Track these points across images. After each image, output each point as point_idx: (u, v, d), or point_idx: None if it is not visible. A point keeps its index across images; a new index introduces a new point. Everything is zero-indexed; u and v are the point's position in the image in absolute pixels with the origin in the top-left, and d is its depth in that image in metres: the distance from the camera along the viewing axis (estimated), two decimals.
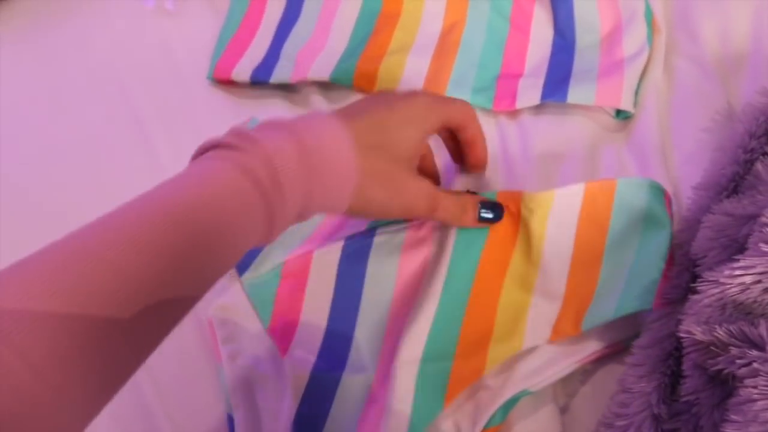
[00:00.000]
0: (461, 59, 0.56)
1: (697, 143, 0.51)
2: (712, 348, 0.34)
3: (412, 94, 0.43)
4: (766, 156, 0.43)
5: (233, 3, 0.62)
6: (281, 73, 0.57)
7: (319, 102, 0.57)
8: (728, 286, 0.35)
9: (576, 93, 0.52)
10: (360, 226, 0.48)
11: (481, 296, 0.45)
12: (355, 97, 0.57)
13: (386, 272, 0.46)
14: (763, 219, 0.35)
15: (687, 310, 0.37)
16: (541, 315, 0.44)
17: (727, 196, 0.43)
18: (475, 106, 0.48)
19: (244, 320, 0.47)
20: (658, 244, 0.42)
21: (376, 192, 0.40)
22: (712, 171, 0.46)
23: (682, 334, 0.35)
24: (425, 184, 0.43)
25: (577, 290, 0.43)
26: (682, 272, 0.41)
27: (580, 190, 0.45)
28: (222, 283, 0.47)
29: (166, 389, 0.48)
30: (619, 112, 0.54)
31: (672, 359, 0.39)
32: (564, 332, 0.43)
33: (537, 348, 0.43)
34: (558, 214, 0.45)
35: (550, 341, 0.43)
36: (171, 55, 0.62)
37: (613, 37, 0.55)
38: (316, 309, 0.46)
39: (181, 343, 0.48)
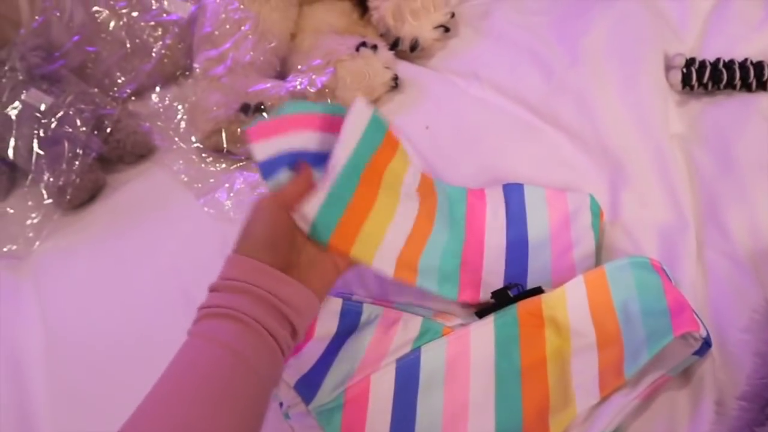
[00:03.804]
0: (430, 244, 0.59)
1: (737, 344, 0.52)
2: None
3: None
4: None
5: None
6: None
7: None
8: None
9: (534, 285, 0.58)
10: (406, 346, 0.55)
11: (531, 377, 0.52)
12: None
13: (435, 385, 0.53)
14: None
15: None
16: (583, 374, 0.50)
17: None
18: (441, 294, 0.57)
19: None
20: (654, 287, 0.52)
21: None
22: (753, 380, 0.47)
23: None
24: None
25: (609, 351, 0.51)
26: None
27: (580, 281, 0.55)
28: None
29: None
30: None
31: None
32: (611, 384, 0.49)
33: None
34: (573, 305, 0.54)
35: (602, 397, 0.49)
36: None
37: (561, 231, 0.61)
38: (378, 427, 0.52)
39: None
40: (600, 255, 0.60)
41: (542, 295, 0.55)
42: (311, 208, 0.49)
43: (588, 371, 0.51)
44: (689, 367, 0.51)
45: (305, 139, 0.54)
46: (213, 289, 0.45)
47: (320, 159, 0.54)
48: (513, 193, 0.65)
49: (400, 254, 0.55)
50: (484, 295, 0.58)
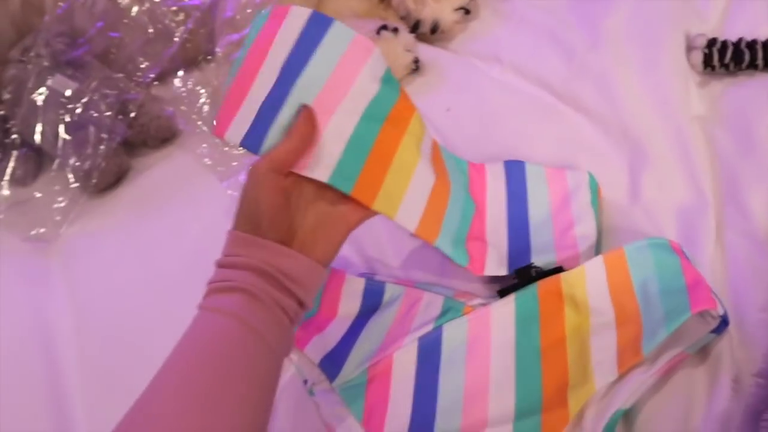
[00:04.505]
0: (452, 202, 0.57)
1: (756, 323, 0.52)
2: None
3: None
4: None
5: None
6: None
7: None
8: None
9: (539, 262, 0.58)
10: (428, 325, 0.57)
11: (551, 355, 0.53)
12: None
13: (457, 362, 0.54)
14: None
15: None
16: (602, 352, 0.51)
17: None
18: (454, 258, 0.55)
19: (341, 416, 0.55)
20: (672, 266, 0.53)
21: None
22: None
23: None
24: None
25: (627, 328, 0.51)
26: None
27: (600, 260, 0.55)
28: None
29: None
30: None
31: None
32: (629, 362, 0.50)
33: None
34: (593, 283, 0.54)
35: (620, 374, 0.50)
36: None
37: (561, 208, 0.62)
38: (401, 403, 0.53)
39: None
40: (601, 233, 0.61)
41: (562, 274, 0.56)
42: (330, 157, 0.47)
43: (607, 349, 0.51)
44: (707, 345, 0.52)
45: (263, 81, 0.48)
46: (219, 265, 0.45)
47: (290, 74, 0.48)
48: (513, 170, 0.65)
49: (425, 210, 0.52)
50: (488, 269, 0.57)
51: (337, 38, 0.48)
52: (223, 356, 0.41)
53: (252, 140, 0.48)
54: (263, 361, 0.42)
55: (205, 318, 0.43)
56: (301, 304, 0.45)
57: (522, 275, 0.57)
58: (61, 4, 0.83)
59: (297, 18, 0.49)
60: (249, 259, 0.43)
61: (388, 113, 0.50)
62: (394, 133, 0.50)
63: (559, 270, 0.56)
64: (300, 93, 0.48)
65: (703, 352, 0.52)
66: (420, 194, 0.52)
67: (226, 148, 0.77)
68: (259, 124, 0.48)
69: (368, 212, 0.49)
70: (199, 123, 0.79)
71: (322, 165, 0.47)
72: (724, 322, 0.51)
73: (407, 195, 0.50)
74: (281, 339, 0.43)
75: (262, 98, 0.48)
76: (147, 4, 0.82)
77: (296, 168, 0.47)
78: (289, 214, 0.46)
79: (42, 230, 0.75)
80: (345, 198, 0.48)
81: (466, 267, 0.56)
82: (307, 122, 0.47)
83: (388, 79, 0.51)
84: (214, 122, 0.50)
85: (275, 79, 0.48)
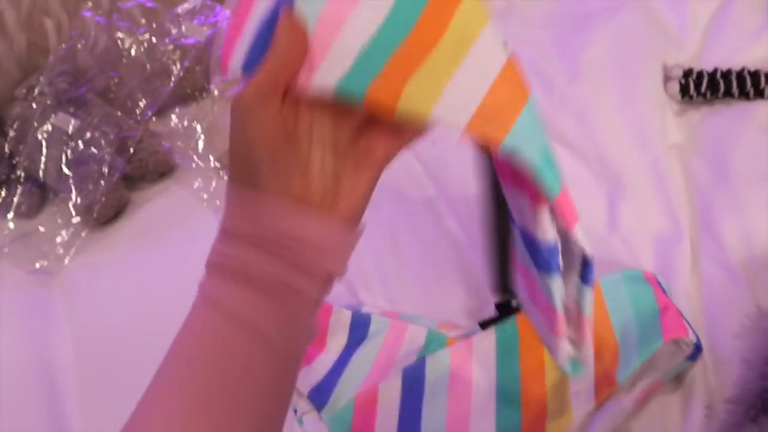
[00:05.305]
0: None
1: (728, 350, 0.54)
2: None
3: None
4: None
5: None
6: None
7: None
8: None
9: None
10: (412, 356, 0.58)
11: (530, 384, 0.54)
12: None
13: (439, 393, 0.56)
14: None
15: None
16: (580, 381, 0.53)
17: (755, 415, 0.46)
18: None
19: None
20: (645, 297, 0.55)
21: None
22: (740, 385, 0.49)
23: None
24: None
25: (604, 358, 0.53)
26: None
27: None
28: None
29: None
30: None
31: None
32: (605, 391, 0.52)
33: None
34: None
35: (597, 404, 0.52)
36: None
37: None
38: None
39: None
40: None
41: None
42: (340, 63, 0.32)
43: (584, 379, 0.53)
44: (681, 372, 0.54)
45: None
46: (221, 231, 0.36)
47: None
48: None
49: (482, 102, 0.33)
50: None
51: None
52: (221, 367, 0.34)
53: (254, 63, 0.34)
54: (269, 371, 0.35)
55: (203, 318, 0.36)
56: (327, 277, 0.35)
57: (502, 309, 0.59)
58: (64, 45, 0.86)
59: None
60: (253, 226, 0.33)
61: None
62: (437, 20, 0.33)
63: None
64: None
65: (677, 379, 0.54)
66: (475, 83, 0.33)
67: (222, 182, 0.80)
68: (261, 39, 0.34)
69: (400, 135, 0.36)
70: (195, 158, 0.82)
71: (328, 75, 0.33)
72: (697, 349, 0.53)
73: (450, 84, 0.33)
74: (294, 336, 0.35)
75: (261, 14, 0.35)
76: (146, 44, 0.86)
77: (296, 88, 0.33)
78: (295, 155, 0.34)
79: (45, 263, 0.78)
80: (371, 125, 0.36)
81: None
82: (288, 28, 0.33)
83: None
84: (219, 61, 0.37)
85: None
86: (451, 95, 0.33)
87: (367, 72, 0.32)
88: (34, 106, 0.83)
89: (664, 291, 0.57)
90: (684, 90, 0.74)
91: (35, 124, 0.82)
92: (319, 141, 0.35)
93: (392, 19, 0.33)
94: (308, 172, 0.35)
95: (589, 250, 0.37)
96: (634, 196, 0.67)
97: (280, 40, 0.33)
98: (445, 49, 0.33)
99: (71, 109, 0.82)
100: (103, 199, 0.78)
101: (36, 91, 0.84)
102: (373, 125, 0.36)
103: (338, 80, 0.32)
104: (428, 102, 0.33)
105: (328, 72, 0.33)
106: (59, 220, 0.81)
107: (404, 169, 0.76)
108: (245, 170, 0.34)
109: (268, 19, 0.34)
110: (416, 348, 0.59)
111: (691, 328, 0.53)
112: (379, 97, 0.32)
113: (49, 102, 0.83)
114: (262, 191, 0.33)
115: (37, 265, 0.77)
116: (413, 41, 0.33)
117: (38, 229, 0.81)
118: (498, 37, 0.34)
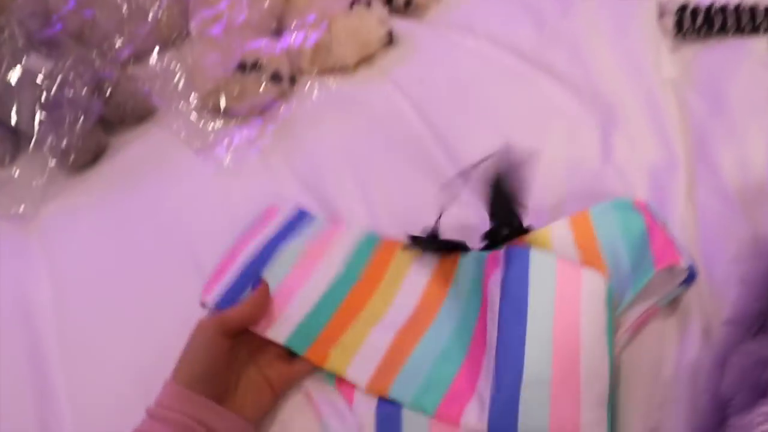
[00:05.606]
0: (423, 344, 0.53)
1: (725, 275, 0.53)
2: None
3: None
4: None
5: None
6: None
7: None
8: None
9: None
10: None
11: None
12: None
13: None
14: None
15: None
16: None
17: (755, 333, 0.45)
18: (414, 407, 0.48)
19: None
20: (635, 226, 0.54)
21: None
22: (738, 306, 0.48)
23: None
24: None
25: None
26: (713, 413, 0.42)
27: (565, 222, 0.56)
28: None
29: None
30: None
31: None
32: None
33: None
34: (560, 244, 0.55)
35: None
36: (231, 210, 0.69)
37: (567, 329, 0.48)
38: None
39: None
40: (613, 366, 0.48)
41: (528, 235, 0.55)
42: (288, 325, 0.52)
43: None
44: (676, 297, 0.53)
45: (248, 253, 0.57)
46: (149, 414, 0.47)
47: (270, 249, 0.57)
48: (514, 263, 0.50)
49: (383, 358, 0.51)
50: (466, 418, 0.47)
51: (315, 226, 0.60)
52: None
53: (225, 304, 0.53)
54: None
55: None
56: None
57: (492, 237, 0.57)
58: None
59: (285, 211, 0.62)
60: (179, 415, 0.46)
61: (362, 270, 0.57)
62: (366, 288, 0.56)
63: (526, 231, 0.56)
64: (277, 264, 0.56)
65: (672, 305, 0.53)
66: (381, 340, 0.53)
67: (202, 124, 0.77)
68: (236, 288, 0.54)
69: (302, 370, 0.53)
70: (175, 100, 0.79)
71: (282, 327, 0.52)
72: (692, 274, 0.52)
73: (364, 345, 0.52)
74: None
75: (243, 267, 0.56)
76: None
77: (257, 329, 0.52)
78: (227, 374, 0.50)
79: (21, 208, 0.75)
80: (288, 357, 0.52)
81: (435, 415, 0.48)
82: (261, 293, 0.52)
83: (369, 240, 0.59)
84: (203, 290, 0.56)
85: (258, 252, 0.56)
86: (361, 358, 0.51)
87: (307, 335, 0.52)
88: (2, 48, 0.79)
89: (656, 218, 0.55)
90: (679, 25, 0.72)
91: (5, 67, 0.78)
92: (243, 363, 0.51)
93: (330, 293, 0.55)
94: (232, 384, 0.50)
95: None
96: (628, 127, 0.65)
97: (252, 299, 0.52)
98: (366, 314, 0.54)
99: (43, 51, 0.79)
100: (80, 143, 0.75)
101: (5, 32, 0.80)
102: (277, 364, 0.52)
103: (286, 338, 0.52)
104: (343, 365, 0.51)
105: (279, 330, 0.52)
106: (35, 166, 0.78)
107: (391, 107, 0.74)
108: (188, 374, 0.48)
109: (246, 273, 0.55)
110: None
111: (685, 253, 0.52)
112: (312, 357, 0.52)
113: (19, 44, 0.79)
114: (196, 392, 0.47)
115: (13, 211, 0.75)
116: (344, 309, 0.54)
117: (13, 176, 0.78)
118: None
